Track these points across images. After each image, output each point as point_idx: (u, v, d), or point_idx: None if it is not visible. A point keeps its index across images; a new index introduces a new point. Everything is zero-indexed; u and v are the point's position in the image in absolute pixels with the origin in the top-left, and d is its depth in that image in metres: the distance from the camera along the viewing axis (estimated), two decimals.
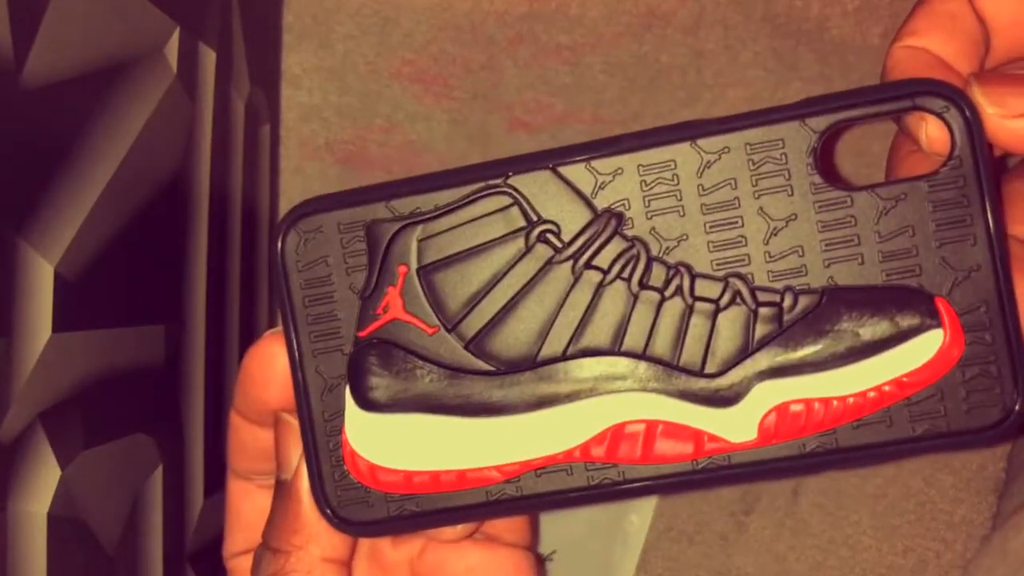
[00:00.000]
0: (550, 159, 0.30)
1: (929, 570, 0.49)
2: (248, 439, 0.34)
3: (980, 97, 0.29)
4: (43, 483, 0.32)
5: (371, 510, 0.32)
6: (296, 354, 0.32)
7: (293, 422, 0.33)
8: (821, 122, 0.29)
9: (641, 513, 0.50)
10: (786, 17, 0.49)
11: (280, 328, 0.32)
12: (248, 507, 0.36)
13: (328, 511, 0.32)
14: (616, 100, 0.50)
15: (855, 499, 0.50)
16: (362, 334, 0.31)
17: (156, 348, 0.39)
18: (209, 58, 0.42)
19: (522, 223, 0.30)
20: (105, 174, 0.35)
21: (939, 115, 0.29)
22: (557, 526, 0.50)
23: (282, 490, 0.33)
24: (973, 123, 0.28)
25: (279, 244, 0.31)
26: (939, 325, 0.29)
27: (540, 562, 0.37)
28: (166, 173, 0.39)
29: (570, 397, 0.31)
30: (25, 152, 0.31)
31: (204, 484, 0.44)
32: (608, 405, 0.30)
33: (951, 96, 0.29)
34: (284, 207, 0.51)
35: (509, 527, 0.35)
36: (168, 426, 0.41)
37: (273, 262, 0.32)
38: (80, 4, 0.33)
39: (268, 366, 0.32)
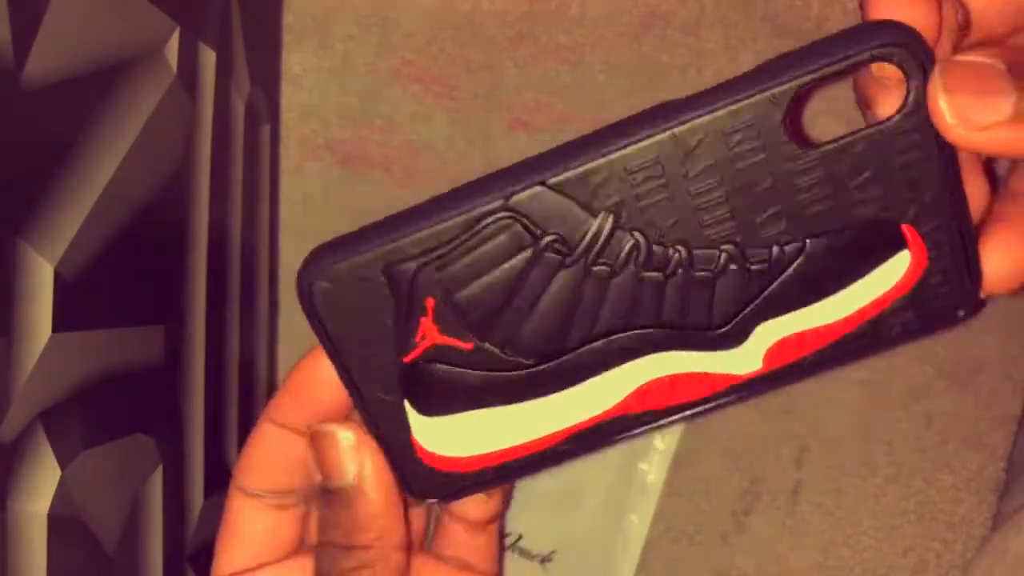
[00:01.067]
0: (541, 173, 0.32)
1: (929, 570, 0.50)
2: (280, 451, 0.36)
3: (943, 105, 0.29)
4: (43, 483, 0.32)
5: (449, 486, 0.36)
6: (354, 385, 0.34)
7: (336, 431, 0.35)
8: (786, 93, 0.30)
9: (641, 513, 0.50)
10: (786, 17, 0.49)
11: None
12: (251, 528, 0.38)
13: (424, 497, 0.36)
14: (616, 100, 0.50)
15: (855, 499, 0.50)
16: (407, 360, 0.34)
17: (156, 348, 0.39)
18: (209, 58, 0.42)
19: (528, 240, 0.32)
20: (105, 174, 0.35)
21: (895, 61, 0.30)
22: (557, 525, 0.50)
23: (342, 495, 0.35)
24: (927, 65, 0.30)
25: (308, 297, 0.33)
26: (905, 247, 0.32)
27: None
28: (166, 173, 0.39)
29: (599, 371, 0.34)
30: (25, 152, 0.31)
31: (204, 484, 0.44)
32: (633, 371, 0.34)
33: (904, 43, 0.30)
34: (285, 206, 0.52)
35: (483, 557, 0.40)
36: (168, 426, 0.41)
37: (309, 313, 0.33)
38: (80, 4, 0.33)
39: (325, 370, 0.35)
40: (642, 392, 0.34)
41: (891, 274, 0.32)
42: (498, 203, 0.32)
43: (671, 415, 0.35)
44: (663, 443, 0.50)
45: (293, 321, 0.52)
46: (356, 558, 0.35)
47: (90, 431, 0.35)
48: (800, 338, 0.33)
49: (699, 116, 0.30)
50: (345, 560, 0.36)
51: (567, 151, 0.32)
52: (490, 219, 0.32)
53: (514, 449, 0.35)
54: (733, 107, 0.30)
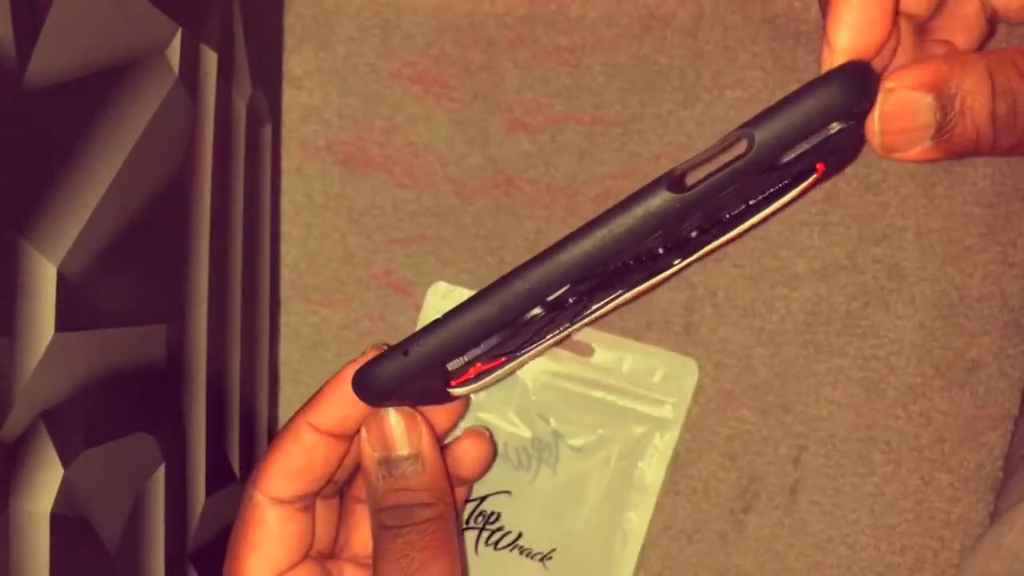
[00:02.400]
0: (567, 277, 0.35)
1: (927, 568, 0.50)
2: (322, 456, 0.40)
3: (876, 141, 0.34)
4: (46, 482, 0.33)
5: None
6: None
7: (398, 409, 0.41)
8: (767, 161, 0.33)
9: (640, 511, 0.50)
10: (785, 18, 0.49)
11: (380, 344, 0.40)
12: (281, 533, 0.41)
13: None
14: (615, 101, 0.50)
15: (853, 498, 0.50)
16: (454, 384, 0.40)
17: (158, 347, 0.39)
18: (211, 59, 0.42)
19: (550, 313, 0.37)
20: (107, 175, 0.35)
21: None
22: (556, 524, 0.50)
23: (410, 462, 0.41)
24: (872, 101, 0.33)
25: (375, 403, 0.39)
26: (816, 171, 0.36)
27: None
28: (168, 173, 0.39)
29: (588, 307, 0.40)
30: (28, 153, 0.31)
31: (206, 483, 0.44)
32: (612, 297, 0.39)
33: (867, 98, 0.33)
34: (286, 207, 0.52)
35: None
36: (170, 425, 0.41)
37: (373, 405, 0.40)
38: (82, 5, 0.33)
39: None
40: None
41: (803, 184, 0.36)
42: (537, 309, 0.36)
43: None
44: (662, 442, 0.50)
45: (294, 320, 0.52)
46: (426, 513, 0.40)
47: (92, 430, 0.35)
48: (734, 235, 0.38)
49: (700, 200, 0.33)
50: (419, 513, 0.40)
51: (593, 246, 0.34)
52: (527, 320, 0.37)
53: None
54: (730, 185, 0.33)
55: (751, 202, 0.36)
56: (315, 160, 0.52)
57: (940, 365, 0.49)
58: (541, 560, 0.51)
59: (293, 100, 0.52)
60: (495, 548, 0.51)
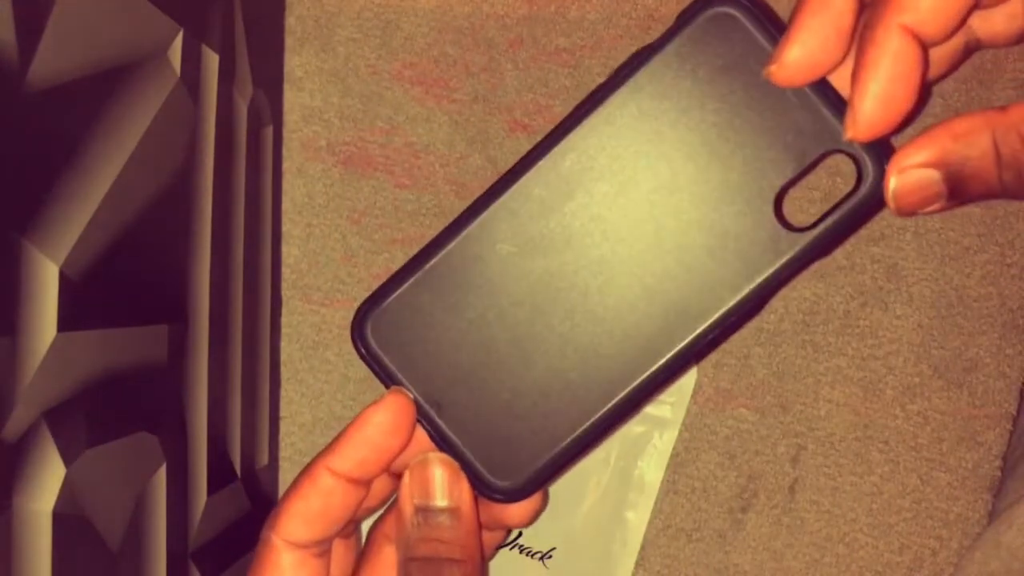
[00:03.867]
0: None
1: (925, 567, 0.50)
2: (340, 501, 0.40)
3: (893, 208, 0.35)
4: (48, 481, 0.32)
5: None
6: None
7: (441, 457, 0.40)
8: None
9: (639, 510, 0.50)
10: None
11: (398, 389, 0.40)
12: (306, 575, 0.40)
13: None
14: None
15: (852, 497, 0.50)
16: None
17: (160, 347, 0.39)
18: (212, 60, 0.42)
19: None
20: (109, 175, 0.35)
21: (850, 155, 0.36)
22: (556, 523, 0.50)
23: (446, 514, 0.40)
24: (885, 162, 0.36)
25: (365, 346, 0.39)
26: None
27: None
28: (170, 174, 0.39)
29: None
30: (30, 153, 0.31)
31: (207, 482, 0.44)
32: None
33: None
34: (287, 208, 0.52)
35: None
36: (172, 424, 0.41)
37: (367, 360, 0.40)
38: (84, 6, 0.33)
39: (377, 418, 0.39)
40: None
41: None
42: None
43: None
44: (661, 441, 0.50)
45: (295, 320, 0.52)
46: (455, 571, 0.39)
47: (94, 429, 0.35)
48: None
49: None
50: (447, 570, 0.39)
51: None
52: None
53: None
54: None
55: None
56: (316, 161, 0.52)
57: (938, 365, 0.49)
58: (541, 559, 0.51)
59: (294, 101, 0.52)
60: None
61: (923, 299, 0.49)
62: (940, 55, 0.38)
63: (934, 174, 0.34)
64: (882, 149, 0.36)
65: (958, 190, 0.34)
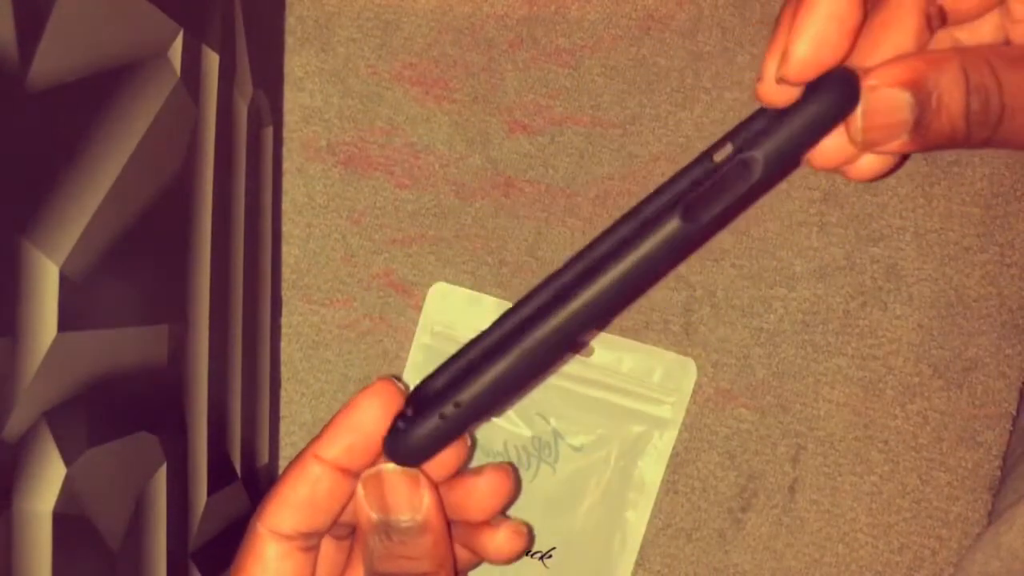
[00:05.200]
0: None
1: (924, 567, 0.50)
2: (327, 490, 0.38)
3: (859, 139, 0.35)
4: (48, 481, 0.32)
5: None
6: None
7: (400, 470, 0.38)
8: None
9: (639, 510, 0.50)
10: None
11: (387, 377, 0.38)
12: (290, 569, 0.39)
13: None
14: (614, 102, 0.50)
15: (851, 497, 0.50)
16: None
17: (160, 347, 0.39)
18: (212, 61, 0.42)
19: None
20: (110, 175, 0.35)
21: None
22: (556, 523, 0.50)
23: (409, 529, 0.38)
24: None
25: (409, 463, 0.38)
26: None
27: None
28: (170, 174, 0.39)
29: None
30: (30, 153, 0.31)
31: (207, 482, 0.44)
32: None
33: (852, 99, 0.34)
34: (287, 208, 0.52)
35: None
36: (172, 424, 0.41)
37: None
38: (84, 7, 0.33)
39: (366, 407, 0.38)
40: None
41: None
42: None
43: None
44: (661, 441, 0.50)
45: (295, 320, 0.52)
46: None
47: (95, 429, 0.35)
48: None
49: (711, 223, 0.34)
50: None
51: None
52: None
53: None
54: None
55: None
56: (316, 161, 0.52)
57: (938, 365, 0.49)
58: (541, 559, 0.51)
59: (294, 101, 0.52)
60: None
61: (923, 299, 0.49)
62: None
63: (905, 96, 0.34)
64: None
65: (924, 121, 0.34)
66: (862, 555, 0.50)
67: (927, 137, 0.34)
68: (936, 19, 0.37)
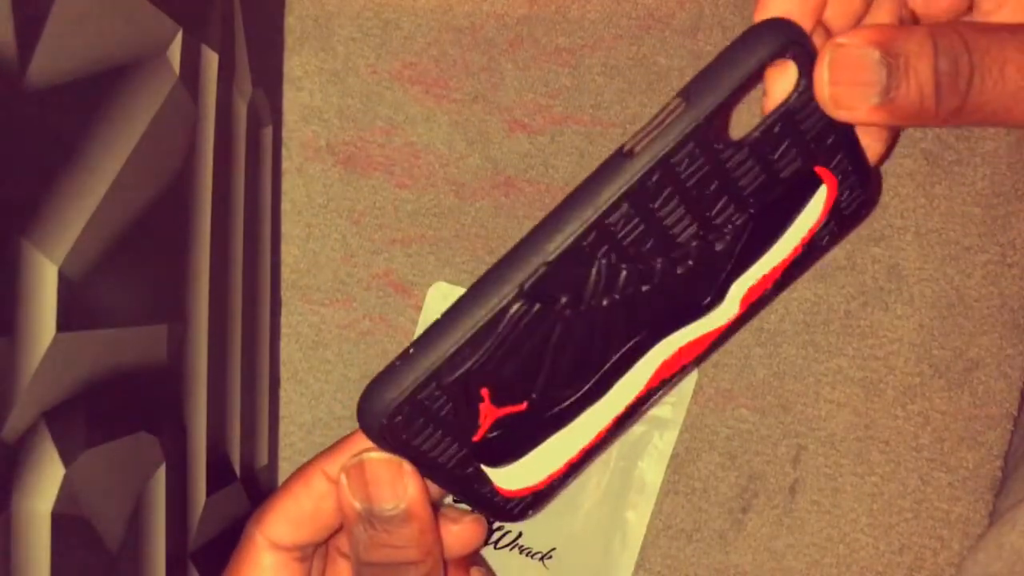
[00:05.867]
0: (541, 255, 0.35)
1: (926, 568, 0.50)
2: (329, 504, 0.38)
3: (825, 94, 0.35)
4: (47, 481, 0.33)
5: (537, 502, 0.41)
6: (431, 473, 0.38)
7: (384, 457, 0.37)
8: (711, 116, 0.34)
9: (639, 511, 0.50)
10: None
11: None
12: None
13: (517, 519, 0.42)
14: (615, 102, 0.50)
15: (852, 497, 0.50)
16: (476, 439, 0.38)
17: (159, 347, 0.39)
18: (211, 60, 0.42)
19: (550, 311, 0.36)
20: (109, 175, 0.35)
21: (786, 57, 0.35)
22: (556, 523, 0.50)
23: (393, 518, 0.37)
24: (812, 55, 0.35)
25: (379, 436, 0.36)
26: (822, 183, 0.38)
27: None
28: (169, 174, 0.39)
29: (624, 371, 0.39)
30: (29, 153, 0.31)
31: (207, 482, 0.44)
32: (649, 359, 0.39)
33: (794, 42, 0.34)
34: (286, 208, 0.52)
35: None
36: (171, 425, 0.41)
37: (380, 443, 0.37)
38: (84, 6, 0.33)
39: None
40: (657, 372, 0.39)
41: (816, 207, 0.38)
42: (514, 294, 0.35)
43: (680, 376, 0.40)
44: (661, 441, 0.50)
45: (295, 320, 0.52)
46: (412, 573, 0.38)
47: (94, 430, 0.35)
48: (761, 283, 0.39)
49: (652, 163, 0.34)
50: (404, 573, 0.38)
51: (556, 224, 0.35)
52: (512, 310, 0.35)
53: (575, 456, 0.40)
54: (676, 145, 0.34)
55: (750, 205, 0.37)
56: (316, 160, 0.52)
57: (939, 365, 0.49)
58: (541, 559, 0.51)
59: (294, 101, 0.52)
60: (495, 547, 0.51)
61: (924, 299, 0.49)
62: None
63: (874, 53, 0.34)
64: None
65: (893, 85, 0.34)
66: (863, 556, 0.50)
67: (896, 105, 0.34)
68: (908, 23, 0.37)
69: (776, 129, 0.36)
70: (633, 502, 0.50)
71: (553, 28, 0.50)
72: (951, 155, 0.49)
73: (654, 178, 0.35)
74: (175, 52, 0.39)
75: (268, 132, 0.50)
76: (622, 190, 0.35)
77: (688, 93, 0.34)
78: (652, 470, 0.50)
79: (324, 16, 0.51)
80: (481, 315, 0.36)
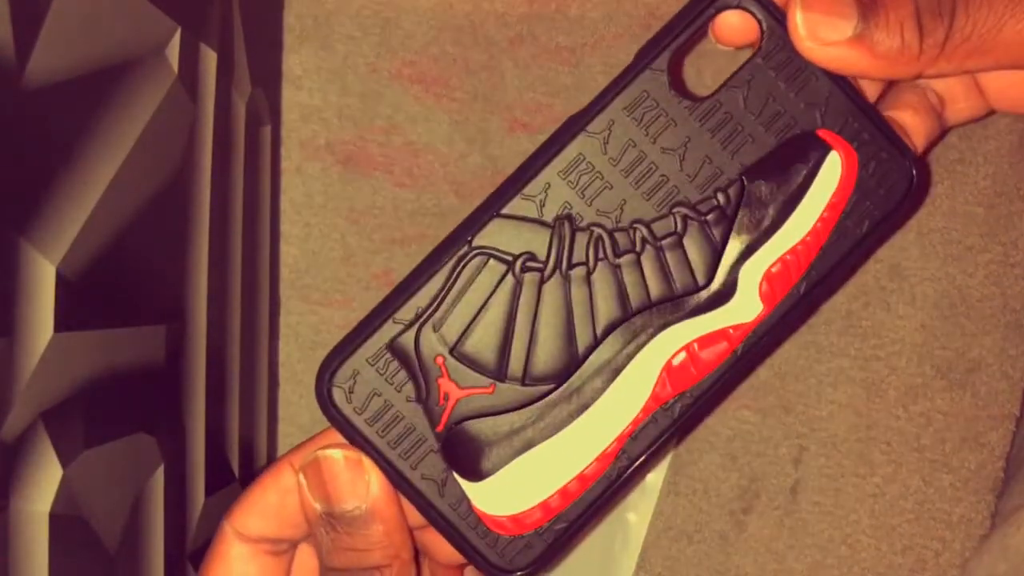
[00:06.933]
0: (493, 208, 0.35)
1: (928, 569, 0.50)
2: (295, 499, 0.36)
3: (798, 20, 0.34)
4: (45, 482, 0.33)
5: (533, 549, 0.36)
6: (397, 477, 0.35)
7: (344, 453, 0.35)
8: (661, 62, 0.35)
9: (640, 512, 0.50)
10: None
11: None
12: (254, 571, 0.37)
13: (507, 572, 0.36)
14: None
15: (854, 498, 0.50)
16: (439, 428, 0.35)
17: (157, 348, 0.39)
18: (210, 59, 0.42)
19: (503, 268, 0.35)
20: (107, 174, 0.35)
21: (738, 6, 0.35)
22: None
23: (355, 519, 0.35)
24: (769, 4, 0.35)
25: (330, 403, 0.35)
26: (830, 149, 0.35)
27: None
28: (167, 173, 0.39)
29: (620, 367, 0.35)
30: (27, 152, 0.31)
31: (205, 483, 0.44)
32: (650, 355, 0.35)
33: None
34: (285, 207, 0.52)
35: None
36: (169, 426, 0.41)
37: (333, 419, 0.36)
38: (82, 5, 0.33)
39: None
40: (666, 376, 0.36)
41: (830, 177, 0.35)
42: (464, 247, 0.35)
43: (707, 388, 0.36)
44: None
45: (294, 320, 0.52)
46: None
47: (92, 430, 0.35)
48: (782, 266, 0.36)
49: (600, 109, 0.34)
50: None
51: (508, 184, 0.35)
52: (463, 263, 0.35)
53: (572, 484, 0.36)
54: (625, 90, 0.34)
55: (737, 171, 0.35)
56: (315, 160, 0.52)
57: (941, 365, 0.49)
58: None
59: (293, 100, 0.52)
60: None
61: (926, 299, 0.49)
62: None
63: None
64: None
65: (869, 10, 0.33)
66: (864, 557, 0.50)
67: (875, 36, 0.33)
68: None
69: (747, 86, 0.35)
70: (634, 503, 0.50)
71: (554, 27, 0.50)
72: (953, 154, 0.49)
73: (606, 125, 0.34)
74: (173, 51, 0.39)
75: (267, 131, 0.50)
76: (575, 140, 0.35)
77: (640, 49, 0.35)
78: (653, 471, 0.50)
79: (323, 15, 0.51)
80: (430, 270, 0.35)
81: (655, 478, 0.50)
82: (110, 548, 0.36)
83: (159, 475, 0.40)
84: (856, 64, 0.34)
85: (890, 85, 0.39)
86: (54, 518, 0.32)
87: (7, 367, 0.31)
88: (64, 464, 0.33)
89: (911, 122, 0.38)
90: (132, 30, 0.36)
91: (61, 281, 0.32)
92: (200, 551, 0.43)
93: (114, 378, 0.36)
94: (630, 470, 0.36)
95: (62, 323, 0.33)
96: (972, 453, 0.49)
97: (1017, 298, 0.49)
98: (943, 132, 0.40)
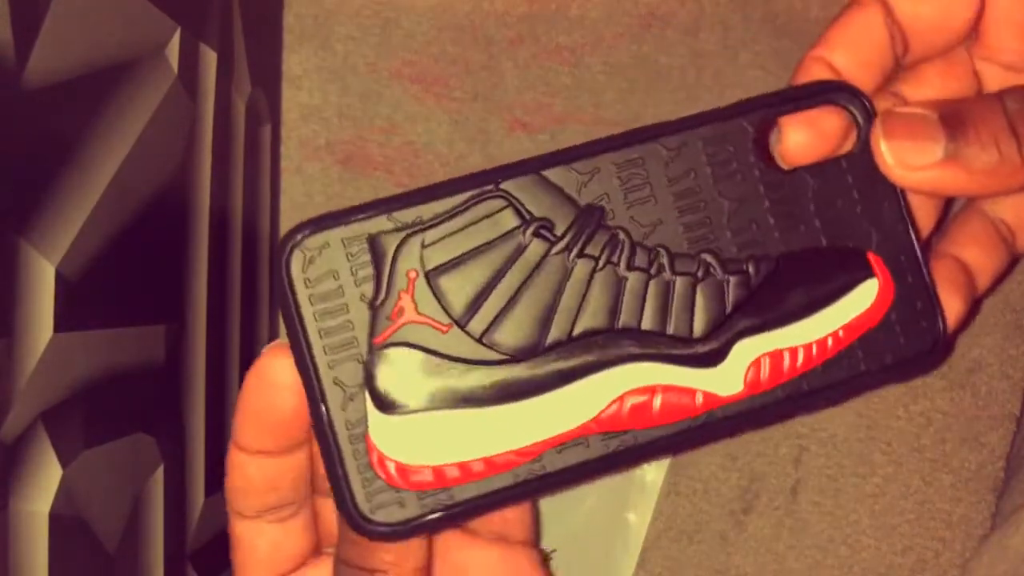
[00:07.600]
0: (536, 165, 0.33)
1: (928, 569, 0.50)
2: (256, 474, 0.34)
3: (884, 148, 0.33)
4: (45, 482, 0.32)
5: (405, 510, 0.33)
6: (310, 367, 0.32)
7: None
8: (755, 119, 0.34)
9: (640, 512, 0.50)
10: (785, 18, 0.49)
11: (277, 342, 0.33)
12: (265, 544, 0.36)
13: (359, 518, 0.32)
14: (616, 101, 0.50)
15: (854, 498, 0.50)
16: (377, 340, 0.32)
17: (157, 348, 0.39)
18: (210, 59, 0.42)
19: (516, 223, 0.33)
20: (106, 174, 0.35)
21: (845, 107, 0.35)
22: (557, 524, 0.50)
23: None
24: (872, 113, 0.34)
25: (284, 261, 0.32)
26: (873, 275, 0.34)
27: (544, 558, 0.40)
28: (167, 173, 0.39)
29: (578, 375, 0.33)
30: (27, 152, 0.31)
31: (205, 483, 0.44)
32: (613, 378, 0.33)
33: (854, 94, 0.35)
34: (285, 207, 0.52)
35: (519, 525, 0.38)
36: (169, 426, 0.41)
37: (279, 279, 0.32)
38: (82, 4, 0.33)
39: (276, 386, 0.33)
40: (619, 407, 0.33)
41: (860, 300, 0.34)
42: (490, 186, 0.33)
43: (653, 439, 0.34)
44: None
45: None
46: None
47: (92, 431, 0.35)
48: (777, 360, 0.34)
49: (682, 128, 0.34)
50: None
51: (562, 151, 0.34)
52: (482, 198, 0.33)
53: (477, 464, 0.33)
54: (712, 125, 0.34)
55: (778, 247, 0.34)
56: (315, 160, 0.52)
57: (941, 366, 0.49)
58: (546, 558, 0.51)
59: (293, 99, 0.52)
60: None
61: None
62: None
63: (927, 112, 0.33)
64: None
65: (957, 130, 0.32)
66: (865, 557, 0.50)
67: (968, 156, 0.32)
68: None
69: (824, 177, 0.34)
70: (634, 503, 0.50)
71: (554, 26, 0.50)
72: None
73: (678, 145, 0.34)
74: (173, 50, 0.39)
75: (267, 131, 0.50)
76: (644, 144, 0.34)
77: (745, 100, 0.35)
78: (653, 471, 0.50)
79: (323, 14, 0.51)
80: (449, 188, 0.33)
81: (655, 478, 0.50)
82: (110, 548, 0.36)
83: (159, 475, 0.40)
84: (952, 184, 0.33)
85: (946, 214, 0.38)
86: (54, 518, 0.32)
87: (7, 367, 0.31)
88: (64, 464, 0.33)
89: (976, 261, 0.37)
90: (132, 30, 0.36)
91: (61, 281, 0.32)
92: (200, 551, 0.43)
93: (114, 378, 0.36)
94: (539, 478, 0.33)
95: (62, 323, 0.32)
96: (972, 453, 0.49)
97: (1017, 299, 0.49)
98: (1014, 262, 0.39)
